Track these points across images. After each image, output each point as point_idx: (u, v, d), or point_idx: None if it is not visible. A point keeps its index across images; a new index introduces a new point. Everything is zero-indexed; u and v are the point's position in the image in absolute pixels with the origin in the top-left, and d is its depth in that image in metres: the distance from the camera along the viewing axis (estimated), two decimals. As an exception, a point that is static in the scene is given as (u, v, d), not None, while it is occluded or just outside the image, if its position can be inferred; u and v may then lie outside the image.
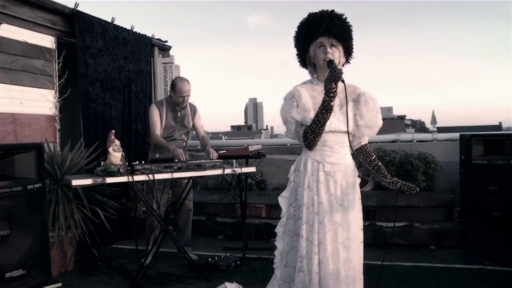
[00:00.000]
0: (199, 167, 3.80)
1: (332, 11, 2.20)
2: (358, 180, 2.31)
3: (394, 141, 5.85)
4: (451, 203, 5.05)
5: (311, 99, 2.16)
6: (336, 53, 2.19)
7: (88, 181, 3.24)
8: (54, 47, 4.61)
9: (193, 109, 4.42)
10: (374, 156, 2.33)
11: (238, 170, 3.88)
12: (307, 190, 2.18)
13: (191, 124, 4.38)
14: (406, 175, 5.08)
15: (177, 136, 4.30)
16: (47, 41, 4.49)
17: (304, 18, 2.25)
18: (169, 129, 4.26)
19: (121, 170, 3.38)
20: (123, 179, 3.35)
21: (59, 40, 4.73)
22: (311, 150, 2.21)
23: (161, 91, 6.68)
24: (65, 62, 4.69)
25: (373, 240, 4.67)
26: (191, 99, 4.32)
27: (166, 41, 6.74)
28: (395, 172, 5.10)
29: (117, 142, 3.39)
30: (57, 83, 4.63)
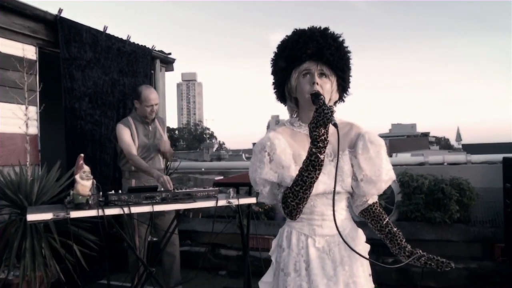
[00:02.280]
0: (189, 197, 3.19)
1: (326, 29, 1.60)
2: (367, 248, 1.67)
3: (421, 164, 5.17)
4: (491, 237, 4.33)
5: (291, 148, 1.57)
6: (327, 85, 1.59)
7: (47, 216, 2.65)
8: (35, 58, 4.12)
9: (161, 121, 3.86)
10: (387, 220, 1.65)
11: (235, 202, 3.23)
12: (293, 276, 1.56)
13: (164, 137, 3.79)
14: (437, 204, 4.38)
15: (153, 154, 3.70)
16: (26, 51, 3.99)
17: (287, 36, 1.64)
18: (143, 147, 3.66)
19: (90, 202, 2.80)
20: (91, 213, 2.76)
21: (43, 50, 4.24)
22: (294, 220, 1.58)
23: (162, 107, 6.15)
24: (52, 75, 4.21)
25: (398, 282, 3.97)
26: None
27: (170, 54, 6.24)
28: (424, 201, 4.42)
29: (86, 168, 2.82)
30: (38, 99, 4.12)
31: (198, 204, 3.11)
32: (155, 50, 5.70)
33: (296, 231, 1.61)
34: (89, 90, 4.50)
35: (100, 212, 2.76)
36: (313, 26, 1.61)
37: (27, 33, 3.98)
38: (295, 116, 1.69)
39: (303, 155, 1.51)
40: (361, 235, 1.67)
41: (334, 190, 1.42)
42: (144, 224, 3.48)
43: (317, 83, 1.55)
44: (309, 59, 1.56)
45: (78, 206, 2.77)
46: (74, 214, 2.72)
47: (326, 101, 1.52)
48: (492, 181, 4.45)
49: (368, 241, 1.68)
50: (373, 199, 1.68)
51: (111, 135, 3.85)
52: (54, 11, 4.13)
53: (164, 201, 3.06)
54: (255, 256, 4.24)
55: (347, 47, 1.62)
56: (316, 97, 1.48)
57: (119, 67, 4.92)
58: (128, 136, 3.56)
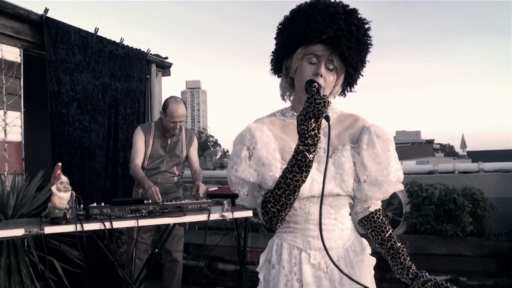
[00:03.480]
0: (179, 210, 2.93)
1: (354, 10, 1.31)
2: (372, 262, 1.40)
3: (430, 173, 4.89)
4: (507, 252, 4.03)
5: (278, 142, 1.31)
6: (330, 78, 1.33)
7: (18, 232, 2.39)
8: (19, 61, 3.87)
9: (189, 136, 3.57)
10: (390, 232, 1.37)
11: (229, 216, 2.95)
12: None
13: (184, 154, 3.53)
14: (448, 216, 4.10)
15: (165, 168, 3.45)
16: (8, 53, 3.75)
17: (305, 3, 1.33)
18: (156, 159, 3.42)
19: (68, 216, 2.54)
20: (69, 228, 2.50)
21: (28, 52, 4.00)
22: (275, 229, 1.33)
23: (159, 113, 5.90)
24: (37, 79, 3.97)
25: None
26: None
27: (166, 58, 5.99)
28: (434, 212, 4.13)
29: (64, 178, 2.55)
30: (23, 104, 3.87)
31: (188, 218, 2.85)
32: (150, 54, 5.46)
33: (287, 244, 1.34)
34: (78, 94, 4.25)
35: (79, 228, 2.50)
36: (338, 2, 1.31)
37: (10, 34, 3.74)
38: (286, 97, 1.43)
39: (293, 149, 1.26)
40: (366, 248, 1.40)
41: (322, 195, 1.14)
42: (142, 235, 3.24)
43: (321, 75, 1.29)
44: (322, 42, 1.29)
45: (54, 221, 2.51)
46: (50, 229, 2.47)
47: (326, 94, 1.27)
48: (507, 191, 4.17)
49: (374, 254, 1.40)
50: (375, 205, 1.40)
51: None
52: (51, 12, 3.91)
53: (151, 214, 2.80)
54: (254, 271, 3.94)
55: (370, 38, 1.34)
56: (309, 84, 1.23)
57: (111, 71, 4.68)
58: (140, 143, 3.36)
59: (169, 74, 6.23)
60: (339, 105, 1.45)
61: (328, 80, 1.31)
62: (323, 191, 1.13)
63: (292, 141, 1.32)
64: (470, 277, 3.78)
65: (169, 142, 3.45)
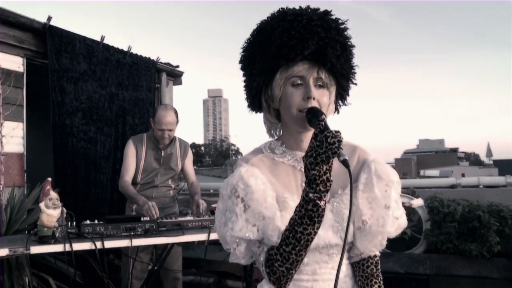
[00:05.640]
0: (179, 228, 2.74)
1: (326, 13, 1.11)
2: None
3: (453, 186, 4.57)
4: (538, 275, 3.69)
5: (273, 188, 1.10)
6: (324, 98, 1.12)
7: (2, 252, 2.24)
8: (22, 70, 3.77)
9: (184, 147, 3.42)
10: (379, 285, 1.18)
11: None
12: None
13: (179, 167, 3.37)
14: (473, 234, 3.79)
15: (160, 181, 3.28)
16: (10, 62, 3.64)
17: (270, 18, 1.13)
18: (150, 172, 3.25)
19: (57, 235, 2.38)
20: (57, 247, 2.34)
21: (31, 62, 3.90)
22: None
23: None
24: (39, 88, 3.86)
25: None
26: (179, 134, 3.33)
27: (177, 66, 5.85)
28: (457, 230, 3.84)
29: (53, 195, 2.40)
30: (25, 114, 3.77)
31: (186, 237, 2.66)
32: (160, 62, 5.32)
33: None
34: (83, 104, 4.12)
35: (67, 247, 2.34)
36: (306, 8, 1.11)
37: (12, 43, 3.64)
38: (275, 137, 1.22)
39: (289, 199, 1.08)
40: None
41: (343, 251, 0.98)
42: (139, 254, 3.07)
43: (314, 98, 1.08)
44: (303, 60, 1.09)
45: (42, 240, 2.37)
46: (36, 249, 2.32)
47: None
48: (538, 208, 3.84)
49: None
50: (370, 251, 1.19)
51: None
52: (56, 21, 3.80)
53: (147, 233, 2.62)
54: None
55: (351, 39, 1.13)
56: (314, 115, 1.02)
57: (118, 80, 4.55)
58: (131, 158, 3.20)
59: (180, 83, 6.09)
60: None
61: (322, 101, 1.11)
62: (345, 243, 0.99)
63: (283, 186, 1.13)
64: (498, 302, 3.48)
65: (162, 154, 3.28)
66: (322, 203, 0.97)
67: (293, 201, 1.08)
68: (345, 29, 1.12)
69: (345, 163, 0.92)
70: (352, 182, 0.95)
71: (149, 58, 5.07)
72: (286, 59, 1.08)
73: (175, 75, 5.88)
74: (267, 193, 1.07)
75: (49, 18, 3.77)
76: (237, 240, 1.09)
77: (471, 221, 3.81)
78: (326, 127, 0.96)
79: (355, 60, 1.14)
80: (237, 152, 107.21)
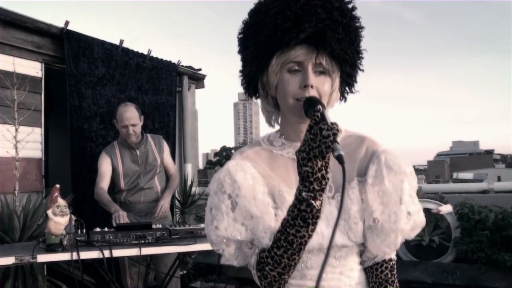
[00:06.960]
0: (191, 236, 2.65)
1: None
2: None
3: (484, 192, 4.32)
4: None
5: (266, 182, 1.00)
6: (325, 86, 1.00)
7: (8, 260, 2.20)
8: (40, 75, 3.78)
9: (158, 142, 3.33)
10: None
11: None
12: None
13: (158, 161, 3.26)
14: (506, 243, 3.56)
15: (144, 182, 3.19)
16: (29, 67, 3.66)
17: (266, 0, 1.01)
18: (131, 176, 3.17)
19: (65, 243, 2.32)
20: (64, 256, 2.29)
21: (50, 67, 3.91)
22: None
23: (193, 127, 5.71)
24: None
25: None
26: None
27: (200, 69, 5.81)
28: (489, 238, 3.61)
29: (61, 202, 2.35)
30: (43, 119, 3.77)
31: (199, 246, 2.55)
32: (181, 66, 5.28)
33: None
34: (101, 109, 4.11)
35: (75, 256, 2.28)
36: None
37: (31, 48, 3.65)
38: (273, 121, 1.11)
39: (286, 192, 0.98)
40: None
41: (329, 246, 0.84)
42: (136, 263, 2.99)
43: (312, 86, 0.97)
44: (302, 45, 0.97)
45: (49, 248, 2.31)
46: (43, 258, 2.27)
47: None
48: None
49: None
50: (384, 254, 1.05)
51: None
52: (73, 26, 3.81)
53: (158, 241, 2.54)
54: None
55: (359, 19, 1.01)
56: (311, 105, 0.91)
57: (137, 84, 4.53)
58: (105, 166, 3.13)
59: (202, 86, 6.04)
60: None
61: (322, 90, 0.98)
62: (329, 248, 0.84)
63: (282, 182, 1.01)
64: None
65: (138, 153, 3.20)
66: (317, 203, 0.86)
67: (291, 195, 0.96)
68: (352, 9, 0.99)
69: (339, 159, 0.81)
70: (345, 182, 0.83)
71: (170, 61, 5.04)
72: (280, 43, 0.97)
73: (197, 78, 5.84)
74: (257, 189, 0.96)
75: (67, 23, 3.77)
76: (225, 241, 0.98)
77: (504, 229, 3.57)
78: (322, 119, 0.84)
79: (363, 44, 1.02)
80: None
